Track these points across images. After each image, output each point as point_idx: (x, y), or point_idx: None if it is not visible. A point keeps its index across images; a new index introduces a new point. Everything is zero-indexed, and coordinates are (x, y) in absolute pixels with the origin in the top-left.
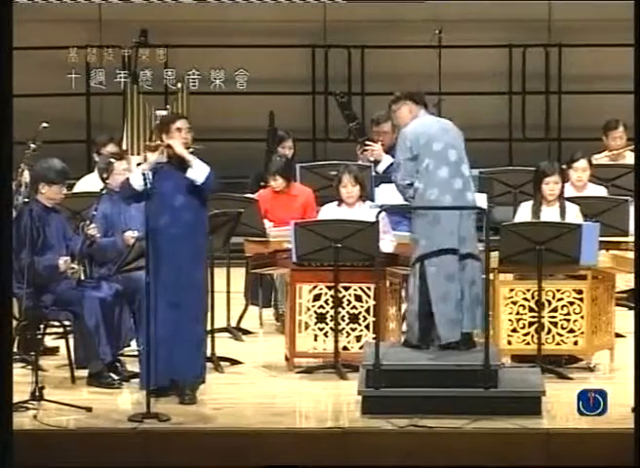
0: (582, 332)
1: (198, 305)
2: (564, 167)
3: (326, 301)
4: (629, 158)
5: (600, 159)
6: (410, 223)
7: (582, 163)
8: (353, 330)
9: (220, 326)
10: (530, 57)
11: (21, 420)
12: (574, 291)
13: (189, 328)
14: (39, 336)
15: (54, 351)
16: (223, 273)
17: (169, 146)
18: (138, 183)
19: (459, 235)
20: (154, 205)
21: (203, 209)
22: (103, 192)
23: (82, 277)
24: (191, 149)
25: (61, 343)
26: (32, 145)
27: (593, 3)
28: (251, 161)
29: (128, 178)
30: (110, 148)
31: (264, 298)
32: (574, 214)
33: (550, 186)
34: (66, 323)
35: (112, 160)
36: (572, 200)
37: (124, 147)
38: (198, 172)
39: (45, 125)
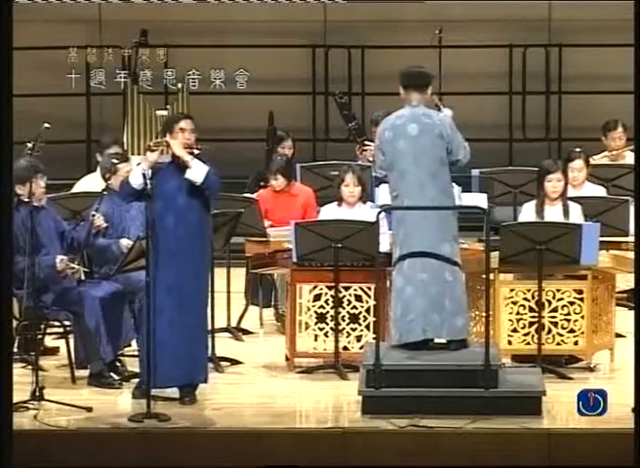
0: (583, 332)
1: (204, 305)
2: None
3: (326, 301)
4: (629, 158)
5: (599, 160)
6: None
7: (578, 163)
8: (353, 330)
9: (220, 326)
10: (530, 57)
11: (21, 420)
12: (574, 291)
13: (197, 329)
14: (39, 336)
15: (54, 351)
16: (223, 273)
17: (168, 146)
18: (137, 182)
19: (420, 239)
20: (158, 205)
21: (206, 208)
22: (105, 192)
23: (82, 277)
24: (196, 151)
25: (62, 343)
26: (35, 145)
27: (593, 3)
28: (251, 161)
29: (127, 177)
30: (114, 150)
31: (265, 298)
32: (577, 214)
33: (553, 183)
34: (66, 323)
35: (116, 161)
36: (573, 200)
37: (124, 147)
38: (196, 172)
39: (47, 125)
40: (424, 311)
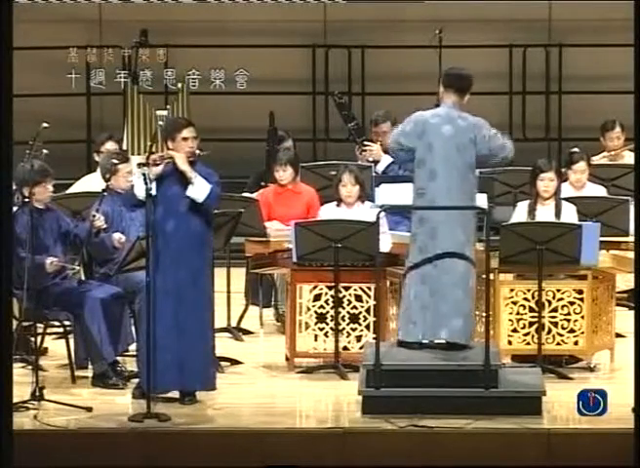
0: (583, 332)
1: (205, 311)
2: (564, 170)
3: (326, 301)
4: (628, 158)
5: (598, 160)
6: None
7: (581, 165)
8: (353, 330)
9: (220, 326)
10: (530, 57)
11: (21, 420)
12: (574, 290)
13: (197, 335)
14: (39, 336)
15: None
16: (223, 273)
17: (172, 159)
18: (141, 193)
19: (444, 240)
20: (159, 209)
21: (208, 215)
22: (105, 193)
23: (82, 277)
24: (198, 152)
25: (60, 343)
26: (33, 145)
27: (593, 3)
28: (251, 161)
29: (132, 187)
30: (109, 146)
31: (265, 298)
32: (570, 214)
33: (545, 183)
34: (66, 323)
35: (116, 161)
36: (571, 200)
37: (124, 147)
38: (198, 190)
39: (45, 125)
40: (447, 314)
